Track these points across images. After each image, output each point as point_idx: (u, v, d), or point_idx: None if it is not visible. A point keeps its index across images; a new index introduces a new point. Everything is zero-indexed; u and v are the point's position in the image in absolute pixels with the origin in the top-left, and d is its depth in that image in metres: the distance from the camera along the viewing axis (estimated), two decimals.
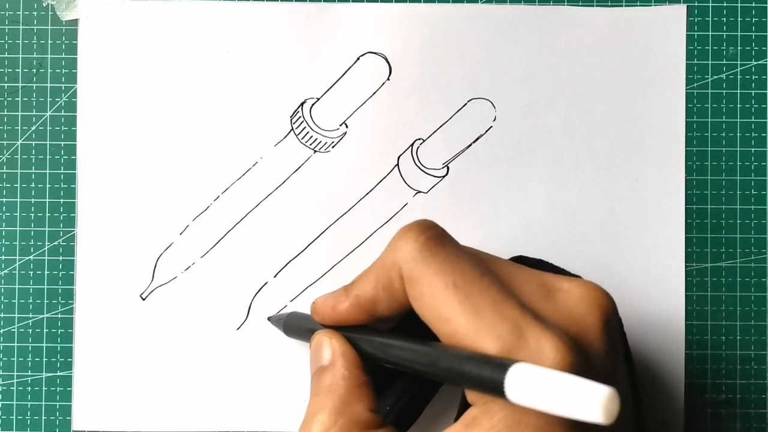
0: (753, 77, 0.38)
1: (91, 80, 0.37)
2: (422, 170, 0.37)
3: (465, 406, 0.26)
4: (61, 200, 0.37)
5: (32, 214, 0.37)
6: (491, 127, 0.37)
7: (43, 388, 0.37)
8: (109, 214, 0.37)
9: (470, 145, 0.37)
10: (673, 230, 0.37)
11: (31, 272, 0.37)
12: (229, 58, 0.37)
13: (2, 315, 0.37)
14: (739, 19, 0.38)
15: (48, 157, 0.37)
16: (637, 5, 0.38)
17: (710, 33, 0.38)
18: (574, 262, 0.37)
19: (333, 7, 0.37)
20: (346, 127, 0.37)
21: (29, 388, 0.37)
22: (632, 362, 0.30)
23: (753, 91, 0.38)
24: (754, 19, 0.38)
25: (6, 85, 0.37)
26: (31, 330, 0.37)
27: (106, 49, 0.37)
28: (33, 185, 0.37)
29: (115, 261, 0.37)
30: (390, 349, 0.27)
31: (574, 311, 0.26)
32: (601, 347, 0.26)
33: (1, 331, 0.37)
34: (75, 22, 0.37)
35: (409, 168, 0.37)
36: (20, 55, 0.37)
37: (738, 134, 0.38)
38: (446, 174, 0.37)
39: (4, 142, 0.37)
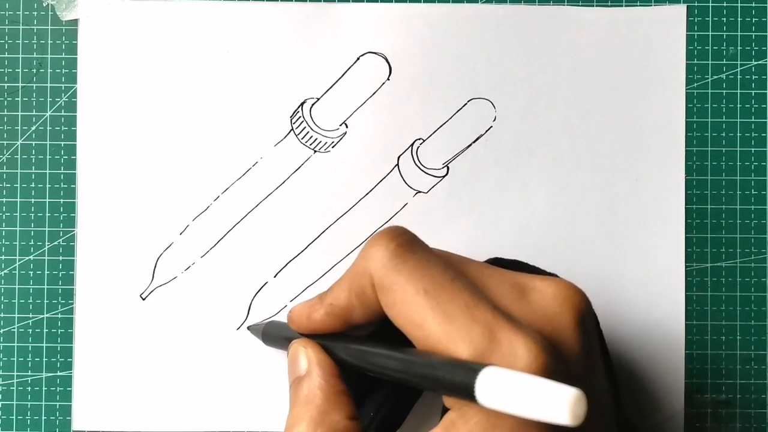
0: (753, 77, 0.38)
1: (91, 80, 0.37)
2: (422, 170, 0.37)
3: (447, 410, 0.26)
4: (61, 200, 0.37)
5: (32, 214, 0.37)
6: (491, 127, 0.37)
7: (43, 388, 0.37)
8: (109, 214, 0.37)
9: (470, 145, 0.37)
10: (673, 230, 0.37)
11: (31, 272, 0.37)
12: (229, 58, 0.37)
13: (2, 315, 0.37)
14: (739, 19, 0.38)
15: (48, 157, 0.37)
16: (637, 5, 0.38)
17: (710, 33, 0.38)
18: (574, 262, 0.37)
19: (333, 7, 0.37)
20: (346, 127, 0.37)
21: (29, 388, 0.37)
22: (610, 359, 0.30)
23: (753, 91, 0.38)
24: (754, 19, 0.38)
25: (6, 85, 0.37)
26: (31, 330, 0.37)
27: (106, 49, 0.37)
28: (33, 185, 0.37)
29: (115, 261, 0.37)
30: (366, 355, 0.27)
31: (547, 310, 0.26)
32: (576, 345, 0.26)
33: (1, 331, 0.37)
34: (75, 22, 0.37)
35: (409, 168, 0.37)
36: (20, 55, 0.37)
37: (738, 134, 0.38)
38: (446, 174, 0.37)
39: (4, 142, 0.37)
